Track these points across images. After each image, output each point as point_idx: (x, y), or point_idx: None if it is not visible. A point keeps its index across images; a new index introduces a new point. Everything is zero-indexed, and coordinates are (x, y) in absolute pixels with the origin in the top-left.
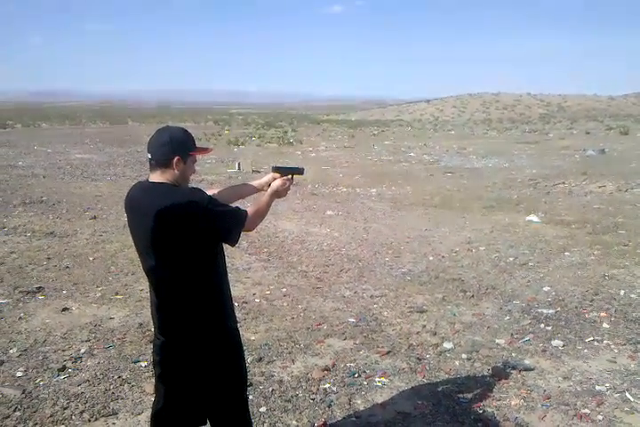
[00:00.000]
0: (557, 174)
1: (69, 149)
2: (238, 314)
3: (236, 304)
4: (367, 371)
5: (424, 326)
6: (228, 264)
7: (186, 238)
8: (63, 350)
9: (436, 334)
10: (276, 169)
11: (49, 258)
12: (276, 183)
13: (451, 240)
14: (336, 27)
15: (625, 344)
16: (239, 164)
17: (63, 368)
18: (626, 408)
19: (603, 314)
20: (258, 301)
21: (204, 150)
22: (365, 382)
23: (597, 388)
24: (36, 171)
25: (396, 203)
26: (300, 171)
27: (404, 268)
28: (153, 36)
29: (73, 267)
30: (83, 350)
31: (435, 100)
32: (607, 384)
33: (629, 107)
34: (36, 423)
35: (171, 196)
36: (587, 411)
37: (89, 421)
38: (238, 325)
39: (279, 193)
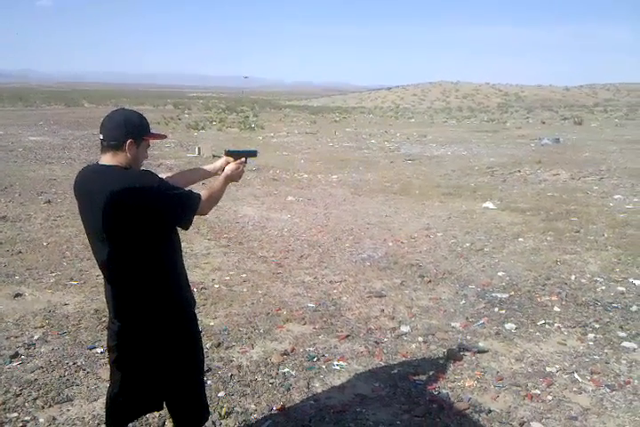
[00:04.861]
0: (513, 162)
1: (22, 131)
2: (197, 299)
3: (195, 290)
4: (326, 355)
5: (382, 311)
6: (186, 249)
7: (137, 222)
8: (16, 337)
9: (393, 318)
10: (229, 153)
11: (1, 243)
12: (230, 167)
13: (410, 226)
14: (297, 11)
15: (575, 327)
16: (199, 148)
17: (16, 355)
18: (574, 389)
19: (554, 298)
20: (217, 286)
21: (159, 136)
22: (324, 366)
23: (548, 369)
24: None
25: (357, 189)
26: (253, 153)
27: (363, 253)
28: (107, 14)
29: (26, 252)
30: (36, 337)
31: (395, 88)
32: (557, 366)
33: (584, 98)
34: None
35: (121, 179)
36: (537, 391)
37: (42, 408)
38: (197, 310)
39: (233, 177)
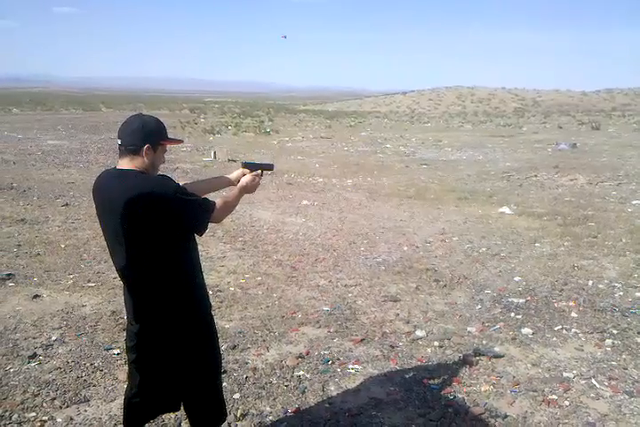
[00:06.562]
0: (530, 167)
1: (41, 135)
2: (213, 302)
3: (211, 292)
4: (341, 358)
5: (397, 315)
6: (202, 253)
7: (155, 227)
8: (34, 338)
9: (408, 322)
10: (246, 165)
11: (19, 245)
12: (246, 179)
13: (425, 231)
14: (314, 16)
15: (592, 333)
16: (215, 152)
17: (34, 355)
18: (591, 394)
19: (571, 303)
20: (232, 289)
21: (176, 141)
22: (339, 370)
23: (565, 375)
24: (5, 157)
25: (372, 193)
26: (269, 167)
27: (378, 257)
28: (124, 20)
29: (44, 254)
30: (54, 338)
31: (411, 93)
32: (574, 371)
33: (601, 102)
34: (6, 411)
35: (139, 183)
36: (554, 397)
37: (60, 408)
38: (213, 312)
39: (248, 188)
